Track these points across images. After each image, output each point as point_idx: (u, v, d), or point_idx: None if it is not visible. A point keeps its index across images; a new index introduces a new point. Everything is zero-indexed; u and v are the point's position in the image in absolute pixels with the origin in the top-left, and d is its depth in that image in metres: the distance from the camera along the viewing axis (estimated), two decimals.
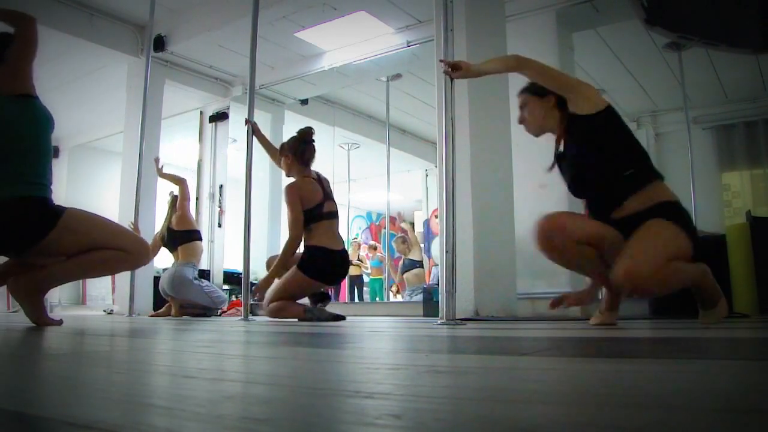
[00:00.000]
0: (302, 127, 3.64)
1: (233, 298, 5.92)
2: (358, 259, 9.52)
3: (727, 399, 0.53)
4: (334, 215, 3.51)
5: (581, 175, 2.25)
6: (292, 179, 3.53)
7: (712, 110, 7.16)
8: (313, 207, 3.39)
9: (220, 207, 6.73)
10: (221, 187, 6.79)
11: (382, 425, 0.44)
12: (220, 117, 6.95)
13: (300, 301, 3.44)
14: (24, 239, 2.23)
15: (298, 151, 3.51)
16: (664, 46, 5.52)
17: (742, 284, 3.17)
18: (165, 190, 5.09)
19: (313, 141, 3.59)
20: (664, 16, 4.28)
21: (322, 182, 3.53)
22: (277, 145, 3.76)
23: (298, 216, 3.34)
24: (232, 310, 4.99)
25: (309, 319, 3.22)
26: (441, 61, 2.69)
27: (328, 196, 3.50)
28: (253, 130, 3.77)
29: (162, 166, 4.94)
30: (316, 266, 3.36)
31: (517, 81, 3.95)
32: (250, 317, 3.53)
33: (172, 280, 4.60)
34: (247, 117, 3.80)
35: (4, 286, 2.42)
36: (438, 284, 4.04)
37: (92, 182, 8.68)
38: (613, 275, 1.93)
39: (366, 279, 9.64)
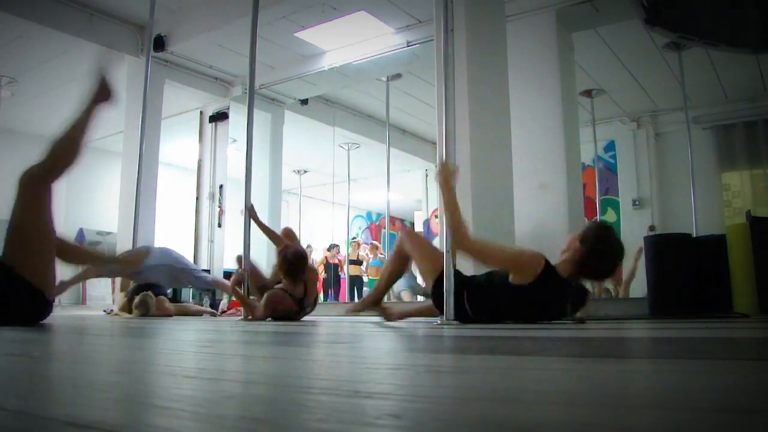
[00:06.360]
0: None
1: (233, 297, 5.90)
2: (357, 259, 9.53)
3: (727, 399, 0.53)
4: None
5: None
6: None
7: (712, 110, 7.15)
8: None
9: (220, 207, 6.72)
10: (221, 187, 6.79)
11: (382, 425, 0.44)
12: (220, 117, 6.95)
13: None
14: None
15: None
16: (664, 46, 5.51)
17: (742, 284, 3.16)
18: (165, 190, 5.07)
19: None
20: (664, 16, 4.28)
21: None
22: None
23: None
24: (232, 310, 4.98)
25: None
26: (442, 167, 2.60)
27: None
28: (251, 216, 3.69)
29: None
30: None
31: (517, 81, 3.97)
32: (250, 317, 3.53)
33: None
34: (246, 203, 3.69)
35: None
36: None
37: (92, 182, 8.67)
38: None
39: (365, 279, 9.65)
